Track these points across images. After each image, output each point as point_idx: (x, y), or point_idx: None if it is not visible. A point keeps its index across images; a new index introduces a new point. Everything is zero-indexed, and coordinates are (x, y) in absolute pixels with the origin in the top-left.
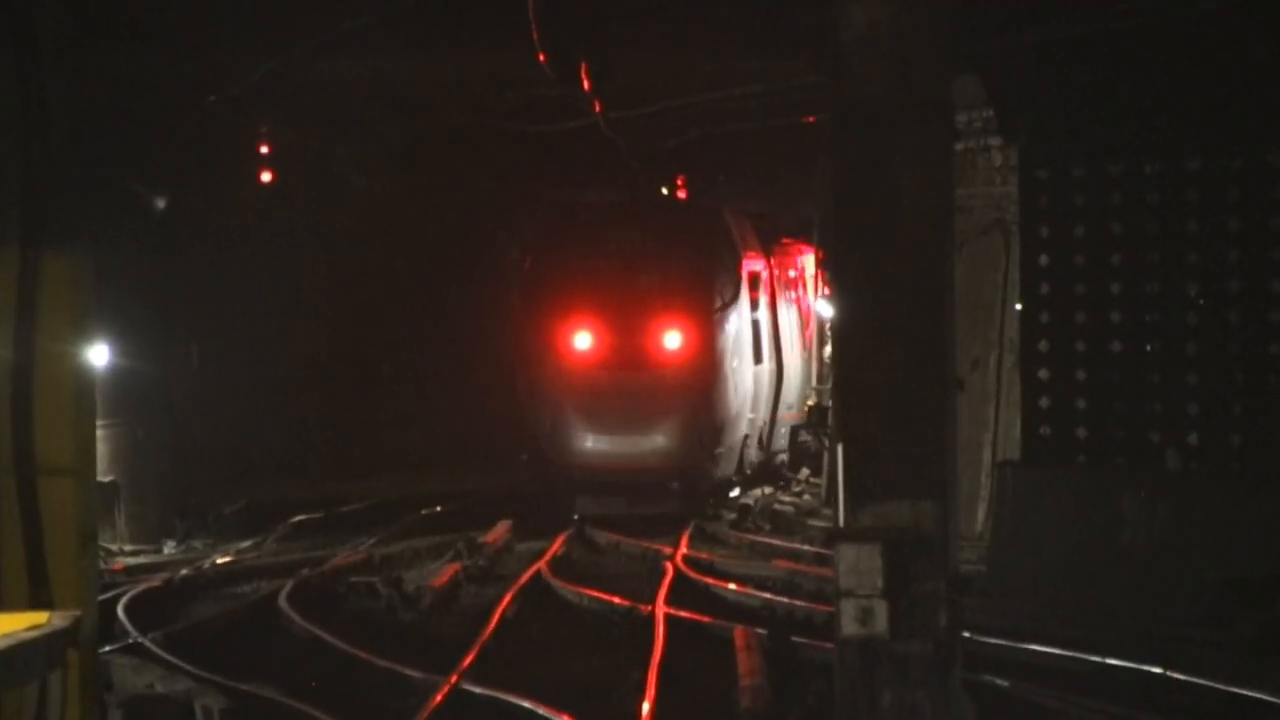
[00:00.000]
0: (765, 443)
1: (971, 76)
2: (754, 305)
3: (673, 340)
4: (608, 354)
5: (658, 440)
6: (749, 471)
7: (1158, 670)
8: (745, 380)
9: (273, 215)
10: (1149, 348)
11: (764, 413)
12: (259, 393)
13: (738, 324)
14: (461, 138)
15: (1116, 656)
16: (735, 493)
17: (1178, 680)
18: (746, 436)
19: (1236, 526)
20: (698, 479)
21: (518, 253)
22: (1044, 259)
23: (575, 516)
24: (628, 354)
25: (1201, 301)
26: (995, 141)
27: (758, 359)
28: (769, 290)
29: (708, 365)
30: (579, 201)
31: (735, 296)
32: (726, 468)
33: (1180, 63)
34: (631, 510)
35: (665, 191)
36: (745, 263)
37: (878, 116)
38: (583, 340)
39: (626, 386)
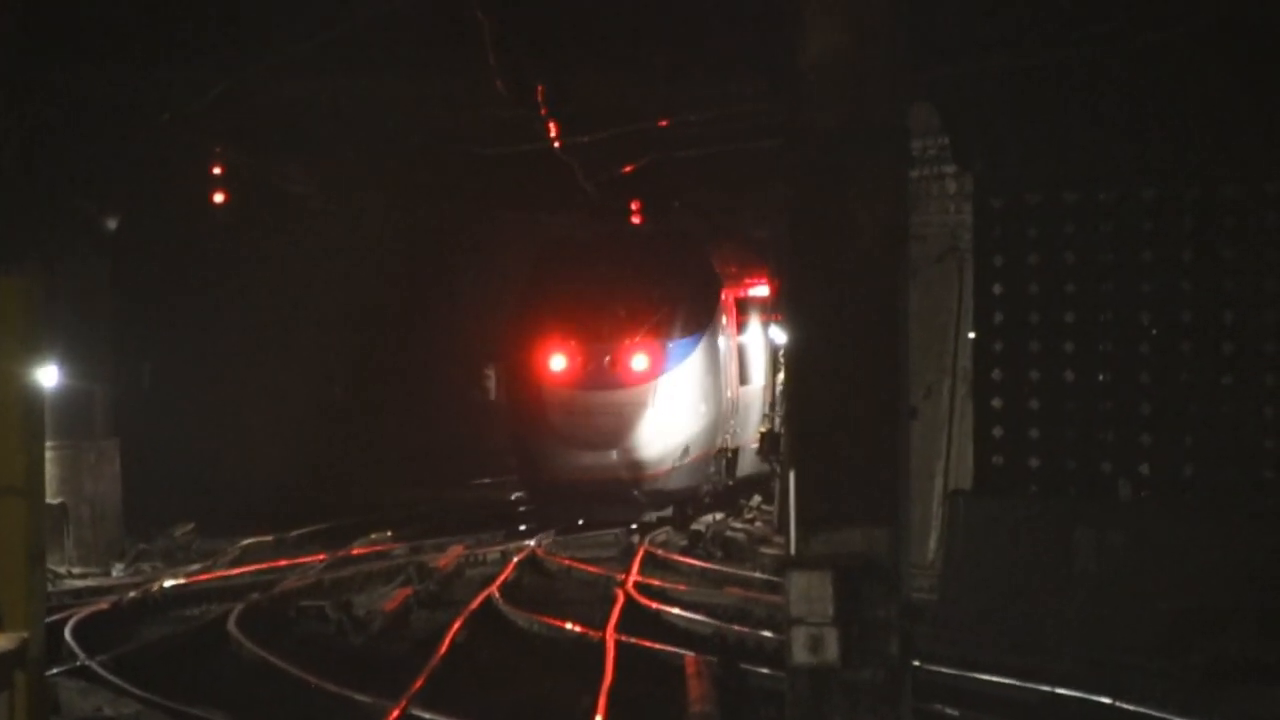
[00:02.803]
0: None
1: (926, 104)
2: (747, 330)
3: (640, 362)
4: (580, 374)
5: (623, 454)
6: (731, 483)
7: (1107, 700)
8: (723, 399)
9: (226, 236)
10: (1102, 377)
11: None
12: (211, 415)
13: (712, 347)
14: (417, 160)
15: (1067, 686)
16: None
17: (1127, 710)
18: (725, 450)
19: (1188, 557)
20: (661, 490)
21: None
22: (998, 287)
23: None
24: (598, 374)
25: (1154, 332)
26: (950, 169)
27: (747, 380)
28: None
29: (672, 385)
30: (569, 233)
31: (710, 322)
32: (693, 480)
33: (1134, 93)
34: (600, 517)
35: (656, 225)
36: (730, 291)
37: (833, 144)
38: (558, 362)
39: (596, 405)
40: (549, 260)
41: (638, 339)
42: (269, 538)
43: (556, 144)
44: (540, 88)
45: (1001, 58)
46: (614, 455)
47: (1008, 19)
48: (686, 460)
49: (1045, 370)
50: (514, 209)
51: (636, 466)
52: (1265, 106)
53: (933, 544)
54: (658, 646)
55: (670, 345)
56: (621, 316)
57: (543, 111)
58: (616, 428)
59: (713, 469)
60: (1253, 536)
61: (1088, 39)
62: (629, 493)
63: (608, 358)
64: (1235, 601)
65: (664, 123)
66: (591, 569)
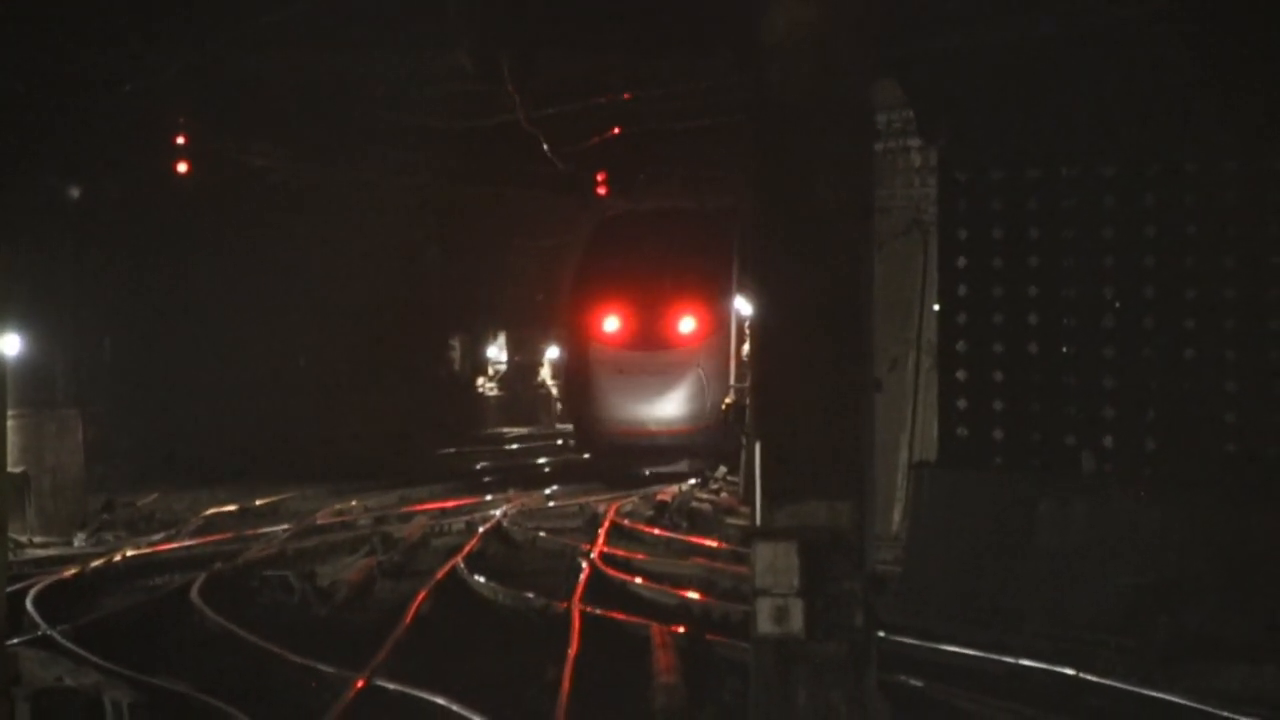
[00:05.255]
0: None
1: (891, 78)
2: None
3: (686, 325)
4: (632, 336)
5: (669, 410)
6: None
7: (1070, 672)
8: None
9: (189, 208)
10: (1066, 350)
11: None
12: (174, 386)
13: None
14: (382, 135)
15: (1030, 658)
16: None
17: (1090, 682)
18: None
19: (1150, 531)
20: (705, 443)
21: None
22: (962, 261)
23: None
24: (649, 336)
25: (1118, 305)
26: (914, 143)
27: None
28: None
29: (715, 346)
30: (625, 209)
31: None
32: (733, 434)
33: (1098, 69)
34: (650, 469)
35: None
36: None
37: (799, 117)
38: (612, 324)
39: (645, 364)
40: (603, 233)
41: (684, 304)
42: (232, 507)
43: (523, 118)
44: (506, 62)
45: (966, 34)
46: (661, 411)
47: None
48: (731, 415)
49: (1009, 343)
50: (480, 184)
51: (681, 421)
52: (1226, 84)
53: (897, 516)
54: (623, 617)
55: (715, 309)
56: (670, 284)
57: (509, 86)
58: (663, 385)
59: None
60: (1215, 511)
61: (1052, 15)
62: (674, 446)
63: (656, 321)
64: (1197, 576)
65: (628, 97)
66: (558, 539)
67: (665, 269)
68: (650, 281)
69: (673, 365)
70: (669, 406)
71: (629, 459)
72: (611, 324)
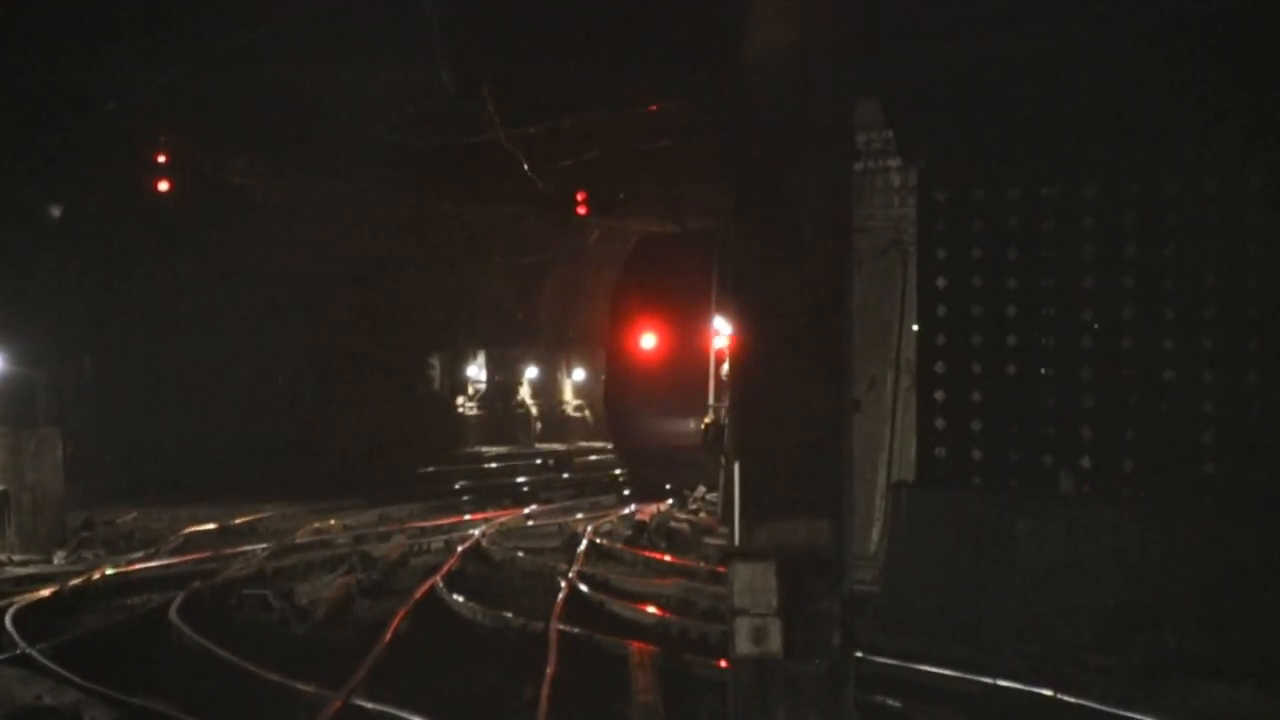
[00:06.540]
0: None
1: (871, 98)
2: None
3: (719, 341)
4: (665, 353)
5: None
6: None
7: (1049, 693)
8: None
9: (171, 225)
10: (1044, 371)
11: None
12: (153, 404)
13: None
14: (364, 151)
15: (1008, 678)
16: None
17: (1069, 703)
18: None
19: (1128, 551)
20: None
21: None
22: (941, 281)
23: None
24: (681, 353)
25: (1096, 326)
26: (894, 163)
27: None
28: None
29: None
30: (657, 232)
31: None
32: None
33: (1078, 89)
34: (680, 479)
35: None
36: None
37: (778, 136)
38: (647, 341)
39: (678, 379)
40: (638, 257)
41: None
42: (212, 526)
43: (503, 136)
44: (487, 80)
45: (946, 53)
46: (695, 424)
47: (952, 13)
48: None
49: (988, 363)
50: (461, 202)
51: None
52: (1205, 104)
53: (875, 536)
54: (601, 636)
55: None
56: (701, 302)
57: (489, 104)
58: (696, 401)
59: None
60: (1193, 531)
61: (1031, 35)
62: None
63: (688, 340)
64: (1175, 596)
65: (608, 116)
66: (537, 559)
67: (696, 290)
68: (682, 302)
69: (699, 380)
70: (700, 420)
71: (665, 470)
72: (647, 341)
